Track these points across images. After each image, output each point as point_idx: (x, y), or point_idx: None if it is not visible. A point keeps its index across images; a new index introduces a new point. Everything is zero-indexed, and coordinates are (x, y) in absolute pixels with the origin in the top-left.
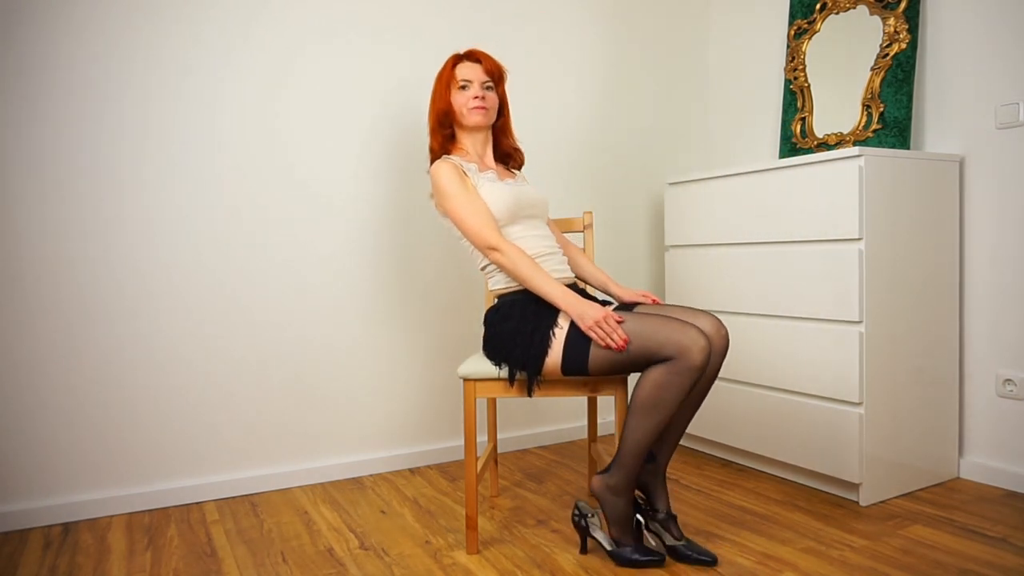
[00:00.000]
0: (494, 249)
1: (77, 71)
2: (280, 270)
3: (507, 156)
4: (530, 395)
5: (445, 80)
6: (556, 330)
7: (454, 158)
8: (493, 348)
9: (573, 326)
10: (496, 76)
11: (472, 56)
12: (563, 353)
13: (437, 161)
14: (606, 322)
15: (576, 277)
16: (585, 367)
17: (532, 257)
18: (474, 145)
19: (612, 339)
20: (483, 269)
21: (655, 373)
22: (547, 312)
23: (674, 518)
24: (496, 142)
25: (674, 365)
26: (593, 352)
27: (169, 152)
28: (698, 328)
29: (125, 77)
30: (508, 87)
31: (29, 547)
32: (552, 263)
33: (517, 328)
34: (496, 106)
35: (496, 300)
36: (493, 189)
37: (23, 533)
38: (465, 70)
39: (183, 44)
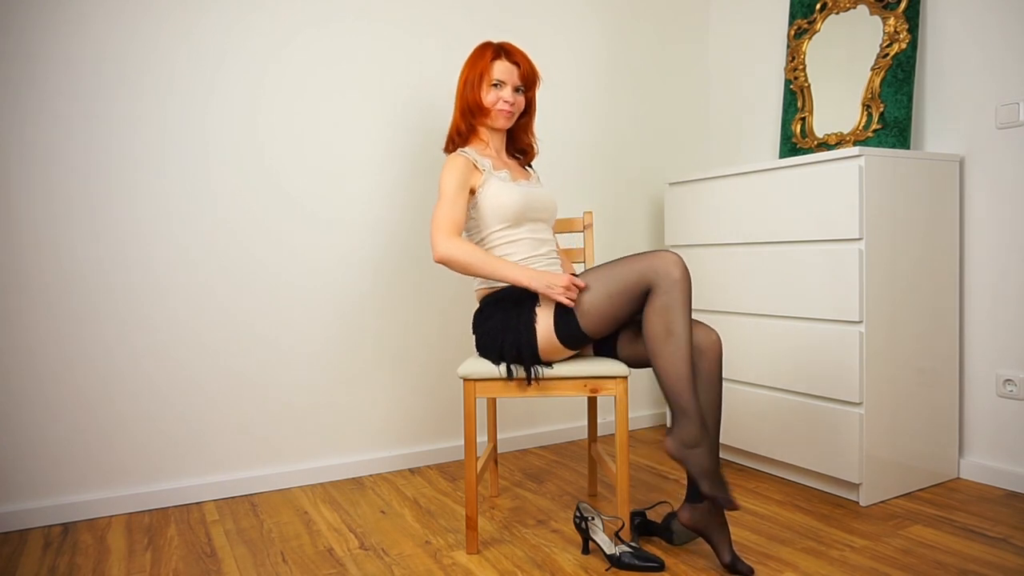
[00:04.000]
0: (439, 244)
1: (68, 71)
2: (279, 270)
3: (522, 151)
4: (529, 382)
5: (479, 72)
6: (537, 309)
7: (470, 151)
8: (485, 347)
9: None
10: (530, 82)
11: (512, 56)
12: (555, 323)
13: (452, 154)
14: (571, 287)
15: None
16: (579, 328)
17: (487, 252)
18: (493, 139)
19: (571, 295)
20: None
21: (650, 307)
22: (526, 299)
23: (738, 560)
24: (516, 137)
25: (659, 288)
26: (581, 313)
27: (159, 154)
28: (663, 251)
29: (116, 76)
30: None
31: (29, 547)
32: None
33: (501, 321)
34: (522, 109)
35: (479, 304)
36: (503, 189)
37: (23, 533)
38: (502, 69)
39: (175, 44)
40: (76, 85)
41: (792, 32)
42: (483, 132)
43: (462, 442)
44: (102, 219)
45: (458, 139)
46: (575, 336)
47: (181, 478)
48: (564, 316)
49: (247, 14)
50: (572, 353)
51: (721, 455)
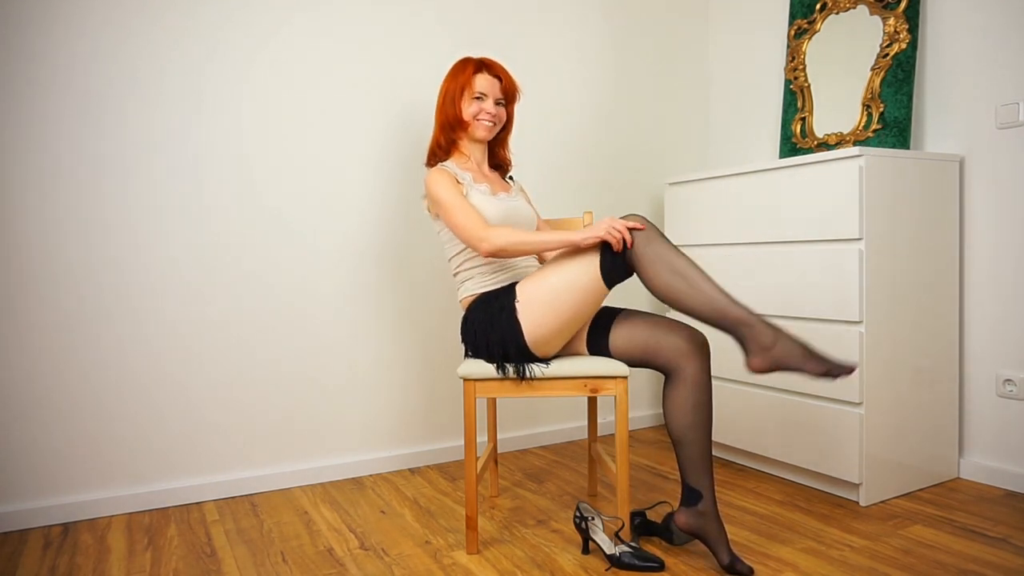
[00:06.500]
0: (484, 240)
1: (60, 71)
2: (279, 269)
3: (498, 166)
4: (520, 378)
5: (461, 85)
6: (517, 304)
7: (450, 165)
8: (476, 348)
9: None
10: (511, 95)
11: (493, 70)
12: (601, 259)
13: (432, 170)
14: (615, 227)
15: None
16: (624, 265)
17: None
18: (474, 152)
19: (625, 235)
20: (455, 275)
21: (641, 268)
22: (503, 293)
23: (737, 560)
24: (492, 151)
25: (638, 245)
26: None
27: (152, 159)
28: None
29: (108, 77)
30: None
31: (29, 547)
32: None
33: (484, 321)
34: (503, 122)
35: (464, 312)
36: (483, 203)
37: (23, 533)
38: (484, 82)
39: (167, 45)
40: (65, 86)
41: (792, 32)
42: (464, 145)
43: (462, 442)
44: (99, 220)
45: (440, 152)
46: (618, 271)
47: (181, 478)
48: (610, 252)
49: (237, 10)
50: (564, 343)
51: (721, 455)
